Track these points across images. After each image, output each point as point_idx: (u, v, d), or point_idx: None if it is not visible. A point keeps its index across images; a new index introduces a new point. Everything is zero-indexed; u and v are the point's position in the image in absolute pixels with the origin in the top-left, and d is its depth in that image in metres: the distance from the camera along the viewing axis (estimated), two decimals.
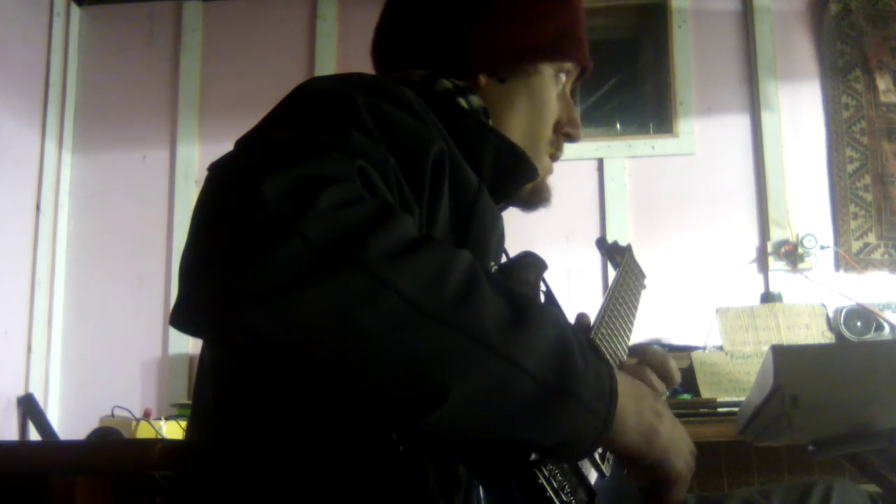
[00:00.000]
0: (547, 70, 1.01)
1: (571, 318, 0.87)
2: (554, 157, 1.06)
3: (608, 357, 0.94)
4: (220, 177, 0.65)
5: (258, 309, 0.57)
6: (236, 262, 0.58)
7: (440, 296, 0.60)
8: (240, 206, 0.60)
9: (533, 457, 0.69)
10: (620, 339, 1.05)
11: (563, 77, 1.03)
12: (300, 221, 0.58)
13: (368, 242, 0.59)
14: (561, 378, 0.65)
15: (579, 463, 0.79)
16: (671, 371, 0.91)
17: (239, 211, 0.60)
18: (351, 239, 0.59)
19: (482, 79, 0.98)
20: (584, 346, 0.69)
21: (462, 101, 0.94)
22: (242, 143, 0.72)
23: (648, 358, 0.92)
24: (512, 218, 1.04)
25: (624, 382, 0.72)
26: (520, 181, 0.97)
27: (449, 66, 0.96)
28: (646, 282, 1.39)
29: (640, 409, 0.73)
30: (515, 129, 0.99)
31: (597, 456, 0.80)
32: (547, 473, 0.70)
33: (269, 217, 0.59)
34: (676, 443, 0.77)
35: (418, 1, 1.01)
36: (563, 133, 1.04)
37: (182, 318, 0.62)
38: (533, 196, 1.05)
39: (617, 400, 0.70)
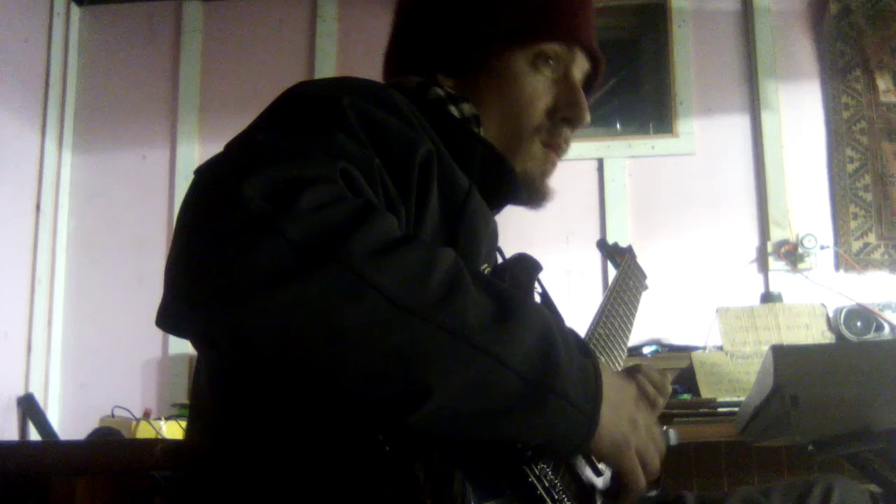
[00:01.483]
0: (517, 56, 0.95)
1: (570, 319, 0.87)
2: (551, 145, 0.98)
3: (597, 354, 0.95)
4: (204, 179, 0.66)
5: (239, 308, 0.57)
6: (217, 263, 0.58)
7: (422, 293, 0.61)
8: (221, 207, 0.60)
9: (519, 457, 0.69)
10: (618, 340, 1.05)
11: (547, 61, 0.96)
12: (281, 221, 0.58)
13: (349, 241, 0.59)
14: (545, 375, 0.65)
15: (574, 462, 0.79)
16: (663, 383, 0.91)
17: (220, 212, 0.60)
18: (332, 237, 0.59)
19: (441, 77, 0.96)
20: (569, 343, 0.69)
21: (453, 110, 0.93)
22: (228, 146, 0.72)
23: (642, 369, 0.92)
24: (511, 218, 1.04)
25: (607, 384, 0.72)
26: (506, 194, 0.96)
27: (412, 66, 0.96)
28: (647, 282, 1.39)
29: (617, 417, 0.73)
30: (491, 123, 0.95)
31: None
32: (537, 472, 0.70)
33: (251, 217, 0.59)
34: (645, 453, 0.77)
35: (403, 9, 1.02)
36: (561, 117, 0.97)
37: (166, 318, 0.62)
38: (528, 193, 1.00)
39: (602, 398, 0.70)
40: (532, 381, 0.64)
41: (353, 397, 0.62)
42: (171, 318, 0.62)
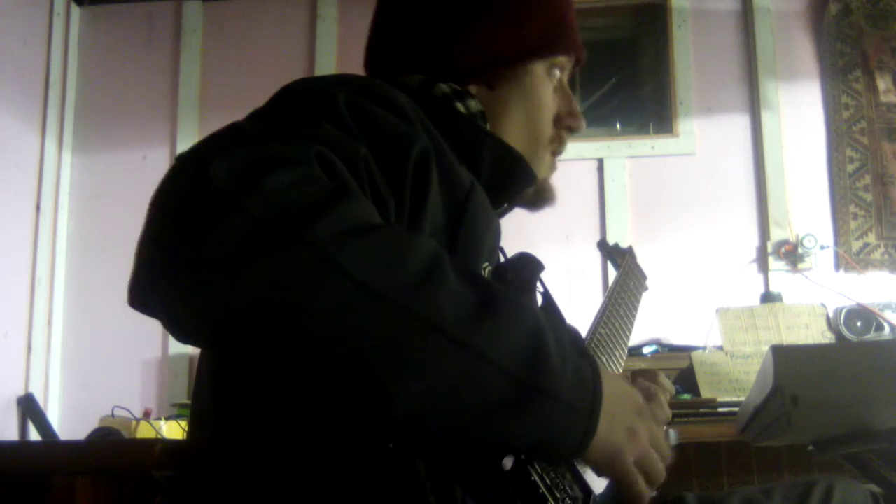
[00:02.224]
0: (538, 68, 0.98)
1: (570, 319, 0.86)
2: (556, 152, 1.03)
3: (596, 355, 0.94)
4: (179, 161, 0.65)
5: (199, 283, 0.56)
6: (180, 239, 0.57)
7: (394, 279, 0.58)
8: (188, 185, 0.60)
9: (521, 456, 0.68)
10: (618, 341, 1.05)
11: (556, 72, 1.00)
12: (246, 198, 0.57)
13: (317, 221, 0.57)
14: (532, 373, 0.63)
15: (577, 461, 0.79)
16: (668, 386, 0.93)
17: (186, 189, 0.59)
18: (297, 217, 0.57)
19: (473, 88, 0.96)
20: (563, 343, 0.67)
21: (460, 106, 0.93)
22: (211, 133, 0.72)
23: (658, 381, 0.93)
24: (512, 218, 1.04)
25: (608, 388, 0.70)
26: (518, 185, 0.96)
27: (440, 76, 0.95)
28: (648, 283, 1.38)
29: (611, 425, 0.70)
30: (514, 135, 0.97)
31: None
32: (539, 470, 0.69)
33: (215, 194, 0.58)
34: (645, 462, 0.73)
35: (405, 11, 1.00)
36: (565, 126, 1.02)
37: (134, 294, 0.61)
38: (536, 197, 1.03)
39: (602, 399, 0.68)
40: (518, 379, 0.62)
41: (319, 387, 0.60)
42: (138, 295, 0.61)
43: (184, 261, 0.57)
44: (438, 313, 0.59)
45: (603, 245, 1.42)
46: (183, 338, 0.64)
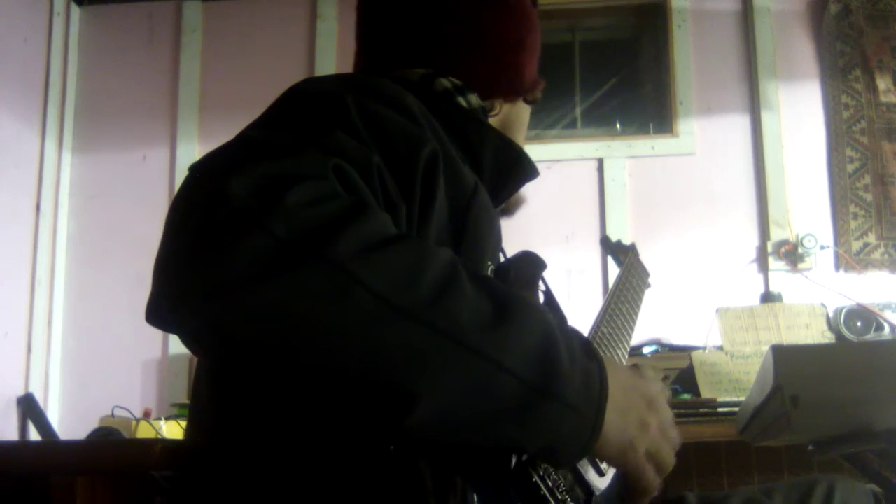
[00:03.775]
0: (524, 103, 1.08)
1: (570, 319, 0.86)
2: None
3: (602, 356, 0.94)
4: (195, 176, 0.65)
5: (221, 303, 0.57)
6: (200, 257, 0.58)
7: (413, 292, 0.59)
8: (209, 203, 0.60)
9: (523, 458, 0.68)
10: (621, 340, 1.05)
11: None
12: (266, 217, 0.58)
13: (337, 238, 0.58)
14: (545, 378, 0.63)
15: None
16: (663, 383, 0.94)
17: (208, 208, 0.60)
18: (319, 234, 0.58)
19: (499, 104, 1.01)
20: (572, 346, 0.67)
21: (461, 100, 0.93)
22: (225, 142, 0.72)
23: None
24: (512, 218, 1.04)
25: (615, 385, 0.70)
26: (520, 178, 0.97)
27: (473, 88, 0.97)
28: (650, 280, 1.38)
29: (623, 420, 0.71)
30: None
31: None
32: (541, 472, 0.70)
33: (237, 213, 0.58)
34: (658, 454, 0.74)
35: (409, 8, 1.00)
36: None
37: (154, 313, 0.62)
38: (511, 204, 1.07)
39: (607, 402, 0.68)
40: (531, 385, 0.62)
41: (340, 400, 0.61)
42: (157, 314, 0.62)
43: (207, 282, 0.57)
44: (456, 323, 0.60)
45: (606, 242, 1.42)
46: (204, 355, 0.64)
